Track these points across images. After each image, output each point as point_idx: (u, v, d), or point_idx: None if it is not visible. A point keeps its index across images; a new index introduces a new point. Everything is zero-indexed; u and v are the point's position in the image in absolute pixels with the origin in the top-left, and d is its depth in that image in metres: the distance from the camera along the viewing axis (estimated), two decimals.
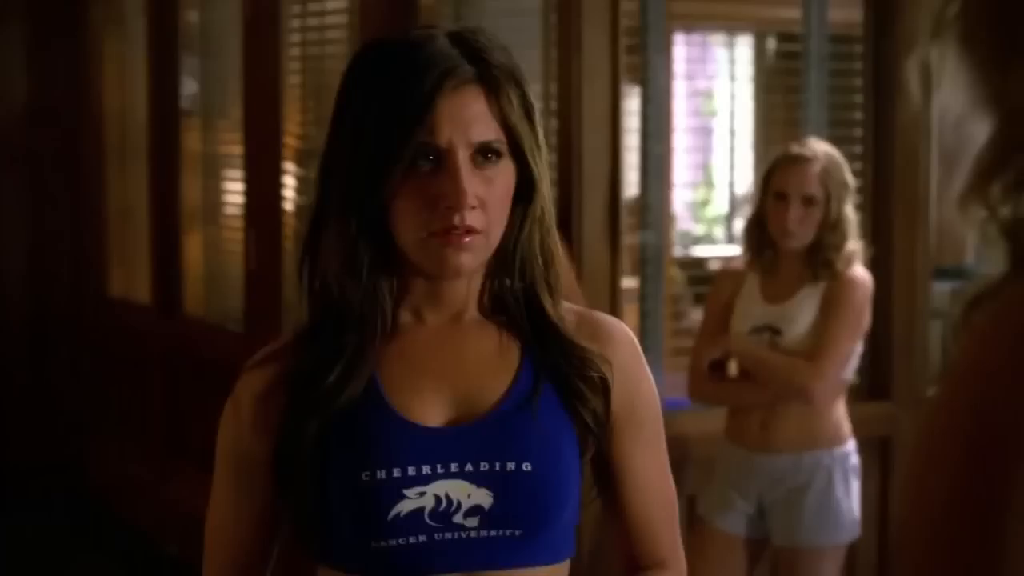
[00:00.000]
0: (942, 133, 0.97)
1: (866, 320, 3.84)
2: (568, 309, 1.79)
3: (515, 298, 1.75)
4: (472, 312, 1.76)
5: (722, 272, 4.22)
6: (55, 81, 7.31)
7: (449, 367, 1.73)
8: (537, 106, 1.73)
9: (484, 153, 1.67)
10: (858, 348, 3.86)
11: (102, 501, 7.07)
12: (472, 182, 1.65)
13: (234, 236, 6.12)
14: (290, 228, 5.57)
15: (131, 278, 7.14)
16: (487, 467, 1.67)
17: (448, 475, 1.66)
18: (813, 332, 3.79)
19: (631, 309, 4.60)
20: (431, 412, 1.70)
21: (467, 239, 1.65)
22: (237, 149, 6.02)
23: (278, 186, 5.57)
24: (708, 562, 3.85)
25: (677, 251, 7.04)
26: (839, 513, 3.80)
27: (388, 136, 1.64)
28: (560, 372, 1.73)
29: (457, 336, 1.75)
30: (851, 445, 3.86)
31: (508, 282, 1.75)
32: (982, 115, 0.94)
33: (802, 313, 3.81)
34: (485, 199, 1.66)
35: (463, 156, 1.65)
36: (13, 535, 6.62)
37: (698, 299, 5.36)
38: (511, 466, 1.67)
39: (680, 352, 4.60)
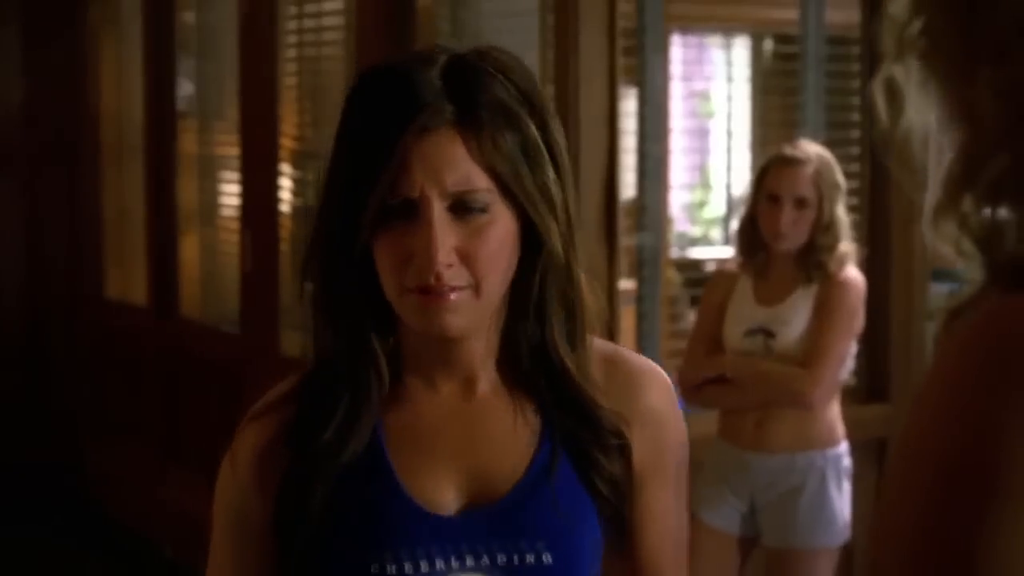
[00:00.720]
0: (911, 152, 0.97)
1: (859, 322, 3.83)
2: (599, 351, 1.63)
3: (531, 356, 1.59)
4: (488, 374, 1.60)
5: (715, 274, 4.22)
6: (51, 82, 7.30)
7: (464, 445, 1.58)
8: (557, 141, 1.55)
9: (466, 204, 1.49)
10: (852, 349, 3.86)
11: (98, 502, 7.06)
12: (450, 236, 1.48)
13: (230, 238, 6.11)
14: (286, 230, 5.57)
15: (127, 279, 7.13)
16: (505, 560, 1.54)
17: (463, 569, 1.53)
18: (806, 334, 3.78)
19: (628, 311, 4.59)
20: (445, 498, 1.56)
21: (452, 297, 1.49)
22: (233, 151, 6.01)
23: (274, 188, 5.57)
24: (700, 559, 3.85)
25: (674, 253, 7.04)
26: (832, 515, 3.79)
27: (355, 182, 1.49)
28: (577, 441, 1.58)
29: (471, 408, 1.59)
30: (844, 447, 3.85)
31: (526, 338, 1.59)
32: (950, 129, 0.94)
33: (795, 315, 3.81)
34: (470, 252, 1.49)
35: (438, 207, 1.48)
36: (9, 537, 6.61)
37: (695, 301, 5.36)
38: (531, 558, 1.54)
39: (677, 354, 4.59)
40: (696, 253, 7.52)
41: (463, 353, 1.58)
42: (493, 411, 1.59)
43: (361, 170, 1.49)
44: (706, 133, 7.50)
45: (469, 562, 1.53)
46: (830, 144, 4.11)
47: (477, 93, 1.50)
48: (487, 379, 1.60)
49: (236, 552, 1.63)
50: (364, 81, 1.54)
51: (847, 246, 3.83)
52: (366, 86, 1.53)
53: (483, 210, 1.50)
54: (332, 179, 1.53)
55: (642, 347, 4.38)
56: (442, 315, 1.49)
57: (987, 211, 0.92)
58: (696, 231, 7.81)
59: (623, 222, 4.31)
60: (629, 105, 4.68)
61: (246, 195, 5.83)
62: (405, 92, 1.49)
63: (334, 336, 1.56)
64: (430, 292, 1.49)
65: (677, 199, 7.41)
